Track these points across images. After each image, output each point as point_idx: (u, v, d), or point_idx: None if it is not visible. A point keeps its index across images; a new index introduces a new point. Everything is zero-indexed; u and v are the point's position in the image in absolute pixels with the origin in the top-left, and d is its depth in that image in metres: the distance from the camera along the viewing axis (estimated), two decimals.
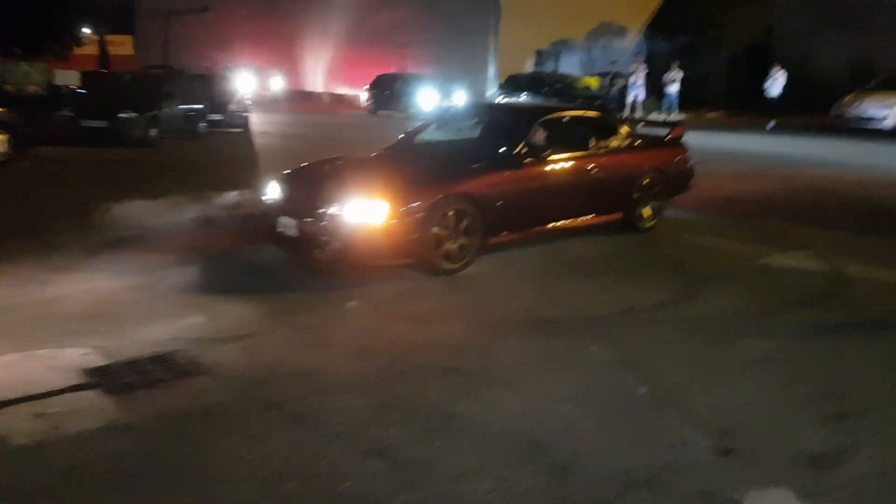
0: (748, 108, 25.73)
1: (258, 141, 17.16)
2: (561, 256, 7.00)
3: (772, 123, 21.79)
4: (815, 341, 4.87)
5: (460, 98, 24.28)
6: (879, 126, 19.97)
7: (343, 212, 6.04)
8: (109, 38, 48.48)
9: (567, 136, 7.61)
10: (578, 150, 7.50)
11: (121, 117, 14.65)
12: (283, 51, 33.69)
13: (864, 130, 20.00)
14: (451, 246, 6.26)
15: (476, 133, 8.50)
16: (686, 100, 23.26)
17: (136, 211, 8.88)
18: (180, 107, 16.43)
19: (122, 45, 49.45)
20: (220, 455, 3.41)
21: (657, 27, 29.85)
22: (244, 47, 33.74)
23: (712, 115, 24.45)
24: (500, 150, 7.06)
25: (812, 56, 27.10)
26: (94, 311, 5.32)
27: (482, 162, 6.90)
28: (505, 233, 6.72)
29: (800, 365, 4.47)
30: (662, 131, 9.04)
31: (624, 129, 8.17)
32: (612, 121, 8.50)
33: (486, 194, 6.47)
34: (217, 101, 18.04)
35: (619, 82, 22.61)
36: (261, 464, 3.33)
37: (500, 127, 7.89)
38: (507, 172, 6.80)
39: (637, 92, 22.08)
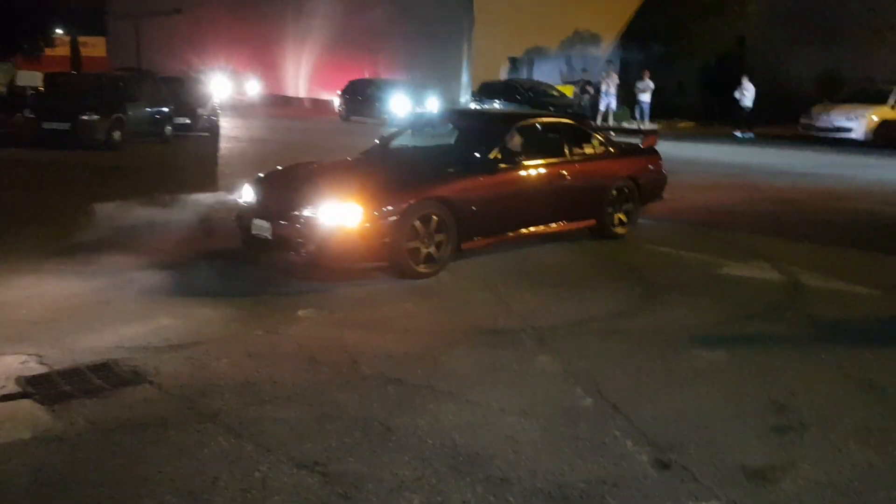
0: (720, 118, 25.97)
1: (225, 145, 17.01)
2: (525, 264, 6.99)
3: (749, 133, 22.04)
4: (765, 352, 4.85)
5: (433, 104, 24.23)
6: (847, 136, 20.25)
7: (317, 214, 6.05)
8: (82, 39, 48.00)
9: (541, 143, 7.70)
10: (553, 157, 7.56)
11: (83, 119, 14.43)
12: (261, 55, 33.37)
13: (833, 140, 20.28)
14: (424, 250, 6.29)
15: (452, 138, 8.55)
16: (659, 109, 23.41)
17: (91, 215, 8.75)
18: (146, 109, 16.23)
19: (94, 47, 48.99)
20: (149, 468, 3.31)
21: (630, 36, 30.01)
22: (220, 51, 33.37)
23: (684, 124, 24.62)
24: (475, 155, 7.08)
25: (782, 67, 27.42)
26: (41, 316, 5.20)
27: (457, 167, 6.94)
28: (479, 238, 6.75)
29: (747, 376, 4.45)
30: (635, 139, 9.11)
31: (598, 137, 8.20)
32: (586, 128, 8.58)
33: (460, 199, 6.50)
34: (185, 105, 17.86)
35: (591, 90, 22.66)
36: (190, 477, 3.24)
37: (476, 132, 7.94)
38: (482, 177, 6.82)
39: (609, 100, 22.19)
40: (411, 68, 29.04)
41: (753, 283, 6.53)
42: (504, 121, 7.97)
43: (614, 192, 7.97)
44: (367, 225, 5.99)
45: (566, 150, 7.70)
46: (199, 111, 18.43)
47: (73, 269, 6.33)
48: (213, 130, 18.69)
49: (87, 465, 3.34)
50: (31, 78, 21.85)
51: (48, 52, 36.54)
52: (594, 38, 29.45)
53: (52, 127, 14.42)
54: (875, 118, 20.28)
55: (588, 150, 7.99)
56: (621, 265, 7.12)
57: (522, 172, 7.18)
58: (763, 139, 21.57)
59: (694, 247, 7.85)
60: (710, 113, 26.90)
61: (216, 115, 19.00)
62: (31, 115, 14.88)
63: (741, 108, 22.44)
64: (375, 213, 6.04)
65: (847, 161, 16.79)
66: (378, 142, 8.27)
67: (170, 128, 16.97)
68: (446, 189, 6.50)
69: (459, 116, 10.10)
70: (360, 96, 25.72)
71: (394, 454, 3.45)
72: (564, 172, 7.50)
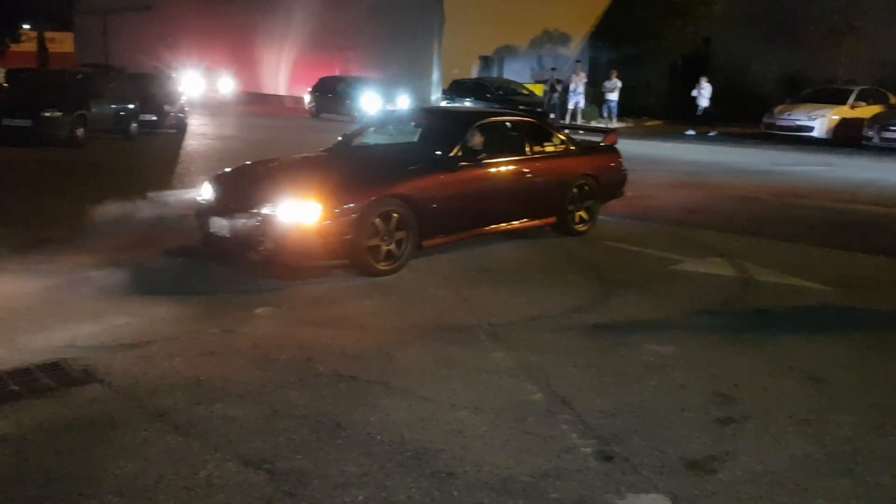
0: (686, 117, 26.25)
1: (191, 142, 16.88)
2: (486, 261, 7.03)
3: (692, 131, 22.49)
4: (713, 346, 4.95)
5: (404, 102, 24.23)
6: (808, 135, 20.60)
7: (275, 212, 6.03)
8: (49, 34, 47.35)
9: (503, 141, 7.74)
10: (514, 155, 7.61)
11: (45, 116, 14.21)
12: (234, 52, 33.01)
13: (794, 139, 20.61)
14: (385, 247, 6.30)
15: (415, 136, 8.56)
16: (627, 108, 23.61)
17: (50, 212, 8.67)
18: (111, 106, 16.04)
19: (62, 43, 48.34)
20: (95, 467, 3.31)
21: (599, 36, 30.19)
22: (192, 47, 33.01)
23: (652, 123, 24.85)
24: (436, 153, 7.11)
25: (747, 67, 27.76)
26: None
27: (418, 164, 6.96)
28: (440, 235, 6.78)
29: (694, 370, 4.53)
30: (598, 138, 9.20)
31: (559, 135, 8.28)
32: (547, 126, 8.66)
33: (420, 196, 6.51)
34: (152, 101, 17.68)
35: (560, 89, 22.79)
36: (135, 476, 3.24)
37: (437, 130, 7.96)
38: (442, 175, 6.84)
39: (577, 99, 22.35)
40: (382, 66, 29.00)
41: (708, 279, 6.64)
42: (465, 119, 7.96)
43: (575, 190, 8.04)
44: (326, 223, 5.98)
45: (527, 148, 7.76)
46: (167, 108, 18.24)
47: (29, 268, 6.25)
48: (181, 127, 18.53)
49: (31, 465, 3.33)
50: None
51: (14, 47, 36.03)
52: (564, 38, 29.59)
53: (14, 124, 14.19)
54: (835, 117, 20.65)
55: (549, 147, 8.04)
56: (580, 262, 7.19)
57: (483, 170, 7.21)
58: (727, 138, 21.86)
59: (653, 244, 7.95)
60: (677, 112, 27.18)
61: (184, 111, 18.82)
62: None
63: (698, 107, 22.78)
64: (334, 210, 6.02)
65: (808, 159, 17.08)
66: (341, 139, 8.26)
67: (135, 125, 16.77)
68: (406, 187, 6.52)
69: (421, 114, 10.12)
70: (331, 93, 25.65)
71: (342, 451, 3.48)
72: (525, 170, 7.56)
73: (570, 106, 22.48)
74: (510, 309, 5.62)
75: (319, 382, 4.23)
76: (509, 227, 7.49)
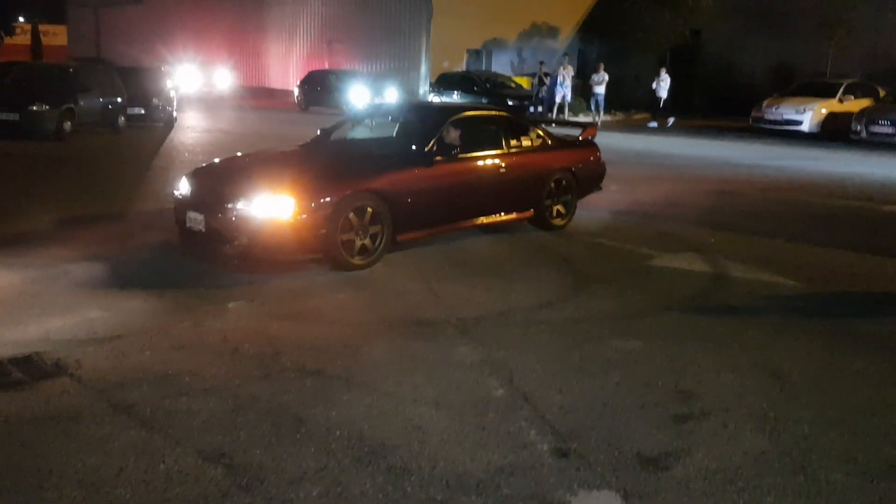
0: (674, 110, 26.29)
1: (177, 136, 16.86)
2: (461, 255, 7.08)
3: (667, 122, 22.55)
4: (679, 342, 5.00)
5: (392, 95, 24.20)
6: (797, 129, 20.65)
7: (250, 207, 6.06)
8: (43, 27, 47.18)
9: (478, 136, 7.73)
10: (490, 149, 7.63)
11: (32, 110, 14.18)
12: (233, 46, 32.77)
13: (782, 133, 20.67)
14: (359, 242, 6.34)
15: (393, 131, 8.57)
16: (615, 101, 23.64)
17: (30, 205, 8.68)
18: (99, 100, 16.00)
19: (56, 35, 48.19)
20: (56, 460, 3.35)
21: (588, 29, 30.22)
22: (185, 41, 32.84)
23: (640, 116, 24.89)
24: (412, 148, 7.13)
25: (736, 60, 27.86)
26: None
27: (393, 159, 7.00)
28: (415, 230, 6.82)
29: (658, 366, 4.58)
30: (577, 132, 9.21)
31: (535, 130, 8.30)
32: (523, 121, 8.69)
33: (395, 191, 6.55)
34: (141, 95, 17.64)
35: (547, 82, 22.79)
36: (95, 469, 3.28)
37: (414, 125, 7.97)
38: (417, 170, 6.86)
39: (564, 92, 22.34)
40: (370, 59, 28.98)
41: (680, 275, 6.69)
42: (441, 114, 7.97)
43: (552, 184, 8.08)
44: (300, 217, 6.02)
45: (503, 143, 7.78)
46: (155, 101, 18.21)
47: (7, 262, 6.30)
48: (169, 121, 18.51)
49: None
50: None
51: (9, 40, 35.90)
52: (552, 31, 29.58)
53: (1, 117, 14.16)
54: (823, 111, 20.70)
55: (525, 142, 8.07)
56: (555, 256, 7.23)
57: (458, 165, 7.23)
58: (715, 131, 21.91)
59: (629, 238, 8.00)
60: (665, 105, 27.24)
61: (172, 104, 18.79)
62: None
63: (658, 99, 23.00)
64: (308, 205, 6.06)
65: (794, 153, 17.13)
66: (319, 133, 8.28)
67: (123, 118, 16.75)
68: (381, 181, 6.55)
69: (398, 109, 10.15)
70: (319, 87, 25.60)
71: (300, 445, 3.52)
72: (501, 165, 7.60)
73: (558, 99, 22.46)
74: (480, 303, 5.67)
75: (284, 377, 4.27)
76: (486, 221, 7.53)
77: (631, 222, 8.90)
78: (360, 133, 8.62)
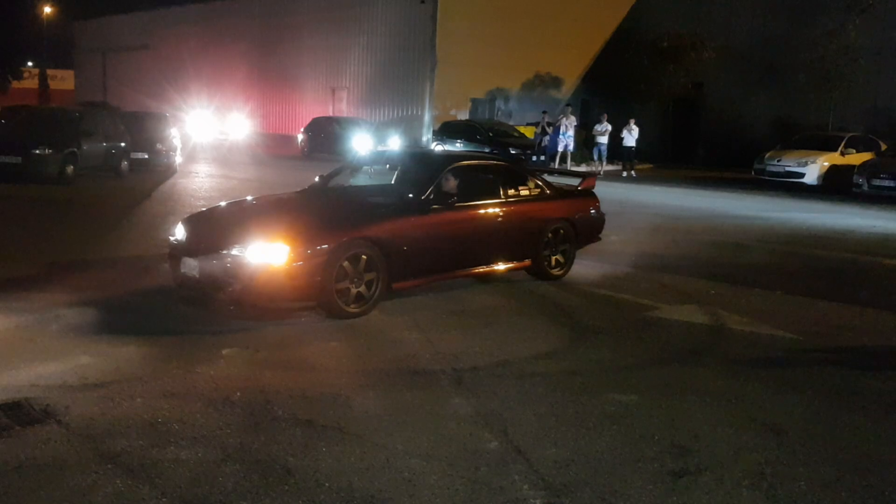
0: (677, 162, 26.50)
1: (180, 181, 16.98)
2: (458, 304, 7.04)
3: (631, 173, 22.91)
4: (677, 396, 4.93)
5: (395, 143, 24.42)
6: (799, 181, 20.73)
7: (245, 253, 6.05)
8: (51, 72, 48.10)
9: (476, 185, 7.77)
10: (487, 199, 7.65)
11: (35, 153, 14.34)
12: (244, 93, 32.79)
13: (785, 185, 20.75)
14: (354, 290, 6.31)
15: (391, 178, 8.62)
16: (617, 151, 23.81)
17: (26, 249, 8.69)
18: (102, 144, 16.16)
19: (63, 80, 49.10)
20: None
21: (591, 80, 30.62)
22: (200, 87, 32.92)
23: (642, 166, 25.04)
24: (408, 196, 7.15)
25: (738, 112, 28.14)
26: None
27: (389, 207, 7.05)
28: (410, 278, 6.80)
29: (655, 420, 4.52)
30: (575, 181, 9.24)
31: (534, 180, 8.30)
32: (522, 170, 8.68)
33: (390, 239, 6.54)
34: (143, 140, 17.83)
35: (550, 131, 22.99)
36: None
37: (412, 173, 8.00)
38: (413, 218, 6.87)
39: (567, 141, 22.51)
40: (374, 106, 29.32)
41: (680, 327, 6.64)
42: (439, 162, 8.00)
43: (550, 234, 8.06)
44: (295, 264, 6.01)
45: (501, 192, 7.79)
46: (158, 146, 18.41)
47: (6, 304, 6.27)
48: (171, 166, 18.67)
49: None
50: None
51: (16, 84, 36.52)
52: (555, 81, 29.95)
53: (4, 160, 14.29)
54: (825, 164, 20.80)
55: (524, 191, 8.07)
56: (553, 306, 7.19)
57: (455, 214, 7.24)
58: (717, 183, 22.01)
59: (629, 289, 7.96)
60: (669, 155, 27.46)
61: (175, 150, 18.98)
62: None
63: (624, 148, 23.19)
64: (303, 252, 6.06)
65: (796, 206, 17.17)
66: (318, 180, 8.32)
67: (125, 163, 16.91)
68: (376, 229, 6.55)
69: (397, 156, 10.20)
70: (322, 133, 25.86)
71: (288, 498, 3.45)
72: (499, 214, 7.61)
73: (560, 148, 22.63)
74: (476, 353, 5.61)
75: (275, 426, 4.21)
76: (483, 270, 7.52)
77: (631, 273, 8.87)
78: (359, 180, 8.67)
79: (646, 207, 15.56)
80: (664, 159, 27.25)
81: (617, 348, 5.93)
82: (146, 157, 17.87)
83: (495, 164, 8.55)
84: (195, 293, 6.52)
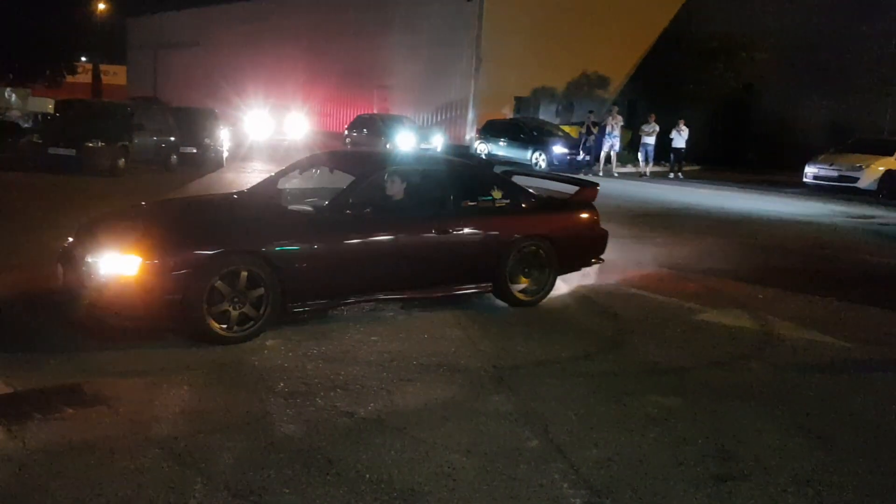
0: (726, 164, 26.07)
1: (227, 175, 17.20)
2: (500, 303, 6.95)
3: (678, 174, 22.69)
4: (721, 400, 4.87)
5: (438, 141, 24.48)
6: (852, 186, 20.23)
7: (98, 263, 5.39)
8: (104, 67, 49.24)
9: (416, 192, 6.85)
10: (426, 209, 6.65)
11: (88, 146, 14.69)
12: (310, 91, 32.21)
13: (837, 189, 20.27)
14: (235, 312, 5.46)
15: (342, 181, 6.90)
16: (664, 153, 23.55)
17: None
18: (152, 138, 16.50)
19: (115, 75, 50.23)
20: (89, 490, 3.39)
21: (638, 80, 30.30)
22: (258, 85, 32.42)
23: (690, 168, 24.70)
24: (324, 203, 6.31)
25: (790, 114, 27.57)
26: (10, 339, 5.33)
27: (289, 216, 6.22)
28: (314, 299, 5.85)
29: (698, 424, 4.47)
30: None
31: (502, 186, 7.09)
32: (488, 176, 7.40)
33: (284, 255, 5.65)
34: (192, 135, 18.15)
35: (595, 131, 22.79)
36: (125, 501, 3.31)
37: (347, 175, 6.72)
38: (315, 230, 5.91)
39: (612, 142, 22.30)
40: (419, 105, 29.42)
41: (726, 331, 6.53)
42: (368, 164, 7.02)
43: (515, 253, 6.78)
44: (146, 278, 5.24)
45: (450, 202, 6.66)
46: (207, 141, 18.75)
47: None
48: (219, 160, 18.99)
49: (29, 485, 3.42)
50: (41, 104, 22.27)
51: (71, 79, 37.49)
52: (602, 81, 29.69)
53: (58, 152, 14.68)
54: (880, 169, 20.26)
55: (485, 202, 6.87)
56: (597, 307, 7.13)
57: (373, 227, 6.17)
58: (766, 186, 21.61)
59: (674, 292, 7.85)
60: (715, 157, 27.05)
61: (222, 145, 19.31)
62: (38, 140, 15.19)
63: (673, 149, 22.91)
64: (157, 265, 5.28)
65: (849, 211, 16.79)
66: (266, 179, 7.42)
67: (175, 157, 17.23)
68: (264, 242, 5.63)
69: (335, 157, 8.56)
70: (366, 130, 26.04)
71: (329, 487, 3.50)
72: (440, 228, 6.43)
73: (605, 149, 22.43)
74: (518, 353, 5.61)
75: (317, 417, 4.26)
76: (421, 295, 6.48)
77: (678, 276, 8.74)
78: (301, 182, 7.43)
79: (692, 209, 15.35)
80: (712, 161, 26.82)
81: (661, 351, 5.87)
82: (195, 151, 18.19)
83: (451, 168, 7.26)
84: (64, 301, 5.82)
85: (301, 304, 5.79)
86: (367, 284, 6.13)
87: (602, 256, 7.65)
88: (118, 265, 5.29)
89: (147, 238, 5.53)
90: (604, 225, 7.70)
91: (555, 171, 18.61)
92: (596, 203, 7.66)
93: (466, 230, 6.59)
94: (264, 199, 6.85)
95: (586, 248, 7.48)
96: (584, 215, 7.48)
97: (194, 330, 5.39)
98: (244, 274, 5.47)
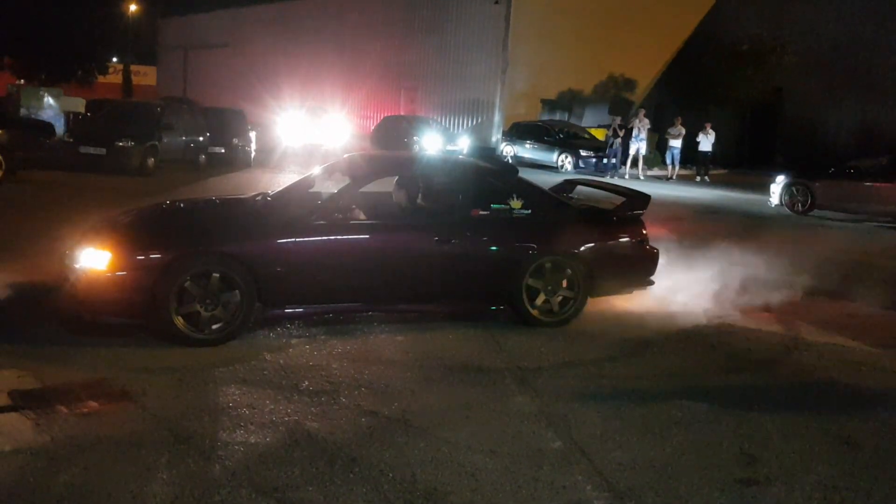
0: (754, 167, 25.79)
1: (254, 175, 17.33)
2: None
3: (705, 178, 22.71)
4: (746, 405, 4.82)
5: (464, 143, 24.47)
6: None
7: (76, 257, 5.50)
8: (135, 68, 49.86)
9: (419, 197, 6.59)
10: (431, 214, 6.36)
11: (118, 145, 14.91)
12: (346, 94, 31.49)
13: None
14: (206, 313, 5.38)
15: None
16: (691, 156, 23.38)
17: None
18: (182, 138, 16.70)
19: (146, 76, 50.82)
20: (115, 484, 3.43)
21: (666, 83, 30.05)
22: (293, 87, 31.71)
23: (717, 172, 24.50)
24: (315, 205, 6.00)
25: (820, 118, 27.21)
26: (42, 331, 5.43)
27: (271, 217, 5.94)
28: (292, 305, 5.73)
29: (722, 428, 4.43)
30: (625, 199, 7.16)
31: (523, 193, 6.44)
32: (504, 181, 6.58)
33: (260, 257, 5.53)
34: (221, 135, 18.34)
35: (622, 134, 22.66)
36: (152, 496, 3.35)
37: (341, 178, 6.52)
38: (292, 234, 5.67)
39: (639, 145, 22.17)
40: (446, 107, 29.40)
41: (753, 336, 6.46)
42: (363, 167, 6.63)
43: (533, 270, 6.20)
44: (115, 274, 5.30)
45: (456, 209, 6.23)
46: (235, 141, 18.94)
47: None
48: (247, 160, 19.16)
49: (57, 478, 3.47)
50: (73, 104, 22.61)
51: (102, 79, 38.01)
52: (629, 84, 29.49)
53: (89, 151, 14.91)
54: None
55: (497, 210, 6.31)
56: (622, 311, 7.06)
57: (353, 233, 5.93)
58: None
59: (701, 296, 7.77)
60: (743, 161, 26.79)
61: (250, 145, 19.48)
62: (69, 139, 15.44)
63: (700, 153, 22.87)
64: (126, 262, 5.33)
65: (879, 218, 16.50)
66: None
67: (203, 156, 17.43)
68: (239, 244, 5.54)
69: (359, 161, 7.33)
70: (394, 132, 26.06)
71: (352, 485, 3.52)
72: (446, 238, 5.99)
73: (632, 151, 22.31)
74: (542, 354, 5.60)
75: (341, 416, 4.29)
76: (414, 308, 6.17)
77: (703, 279, 8.64)
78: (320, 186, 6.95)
79: (720, 213, 15.22)
80: (740, 164, 26.57)
81: (686, 355, 5.82)
82: (223, 151, 18.38)
83: (460, 174, 6.66)
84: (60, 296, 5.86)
85: (279, 309, 5.71)
86: (353, 293, 5.92)
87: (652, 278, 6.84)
88: (91, 259, 5.38)
89: (122, 235, 5.64)
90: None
91: (600, 179, 18.37)
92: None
93: (471, 241, 6.12)
94: (264, 201, 6.49)
95: (629, 268, 6.72)
96: (627, 230, 6.68)
97: (161, 328, 5.36)
98: (215, 276, 5.40)
